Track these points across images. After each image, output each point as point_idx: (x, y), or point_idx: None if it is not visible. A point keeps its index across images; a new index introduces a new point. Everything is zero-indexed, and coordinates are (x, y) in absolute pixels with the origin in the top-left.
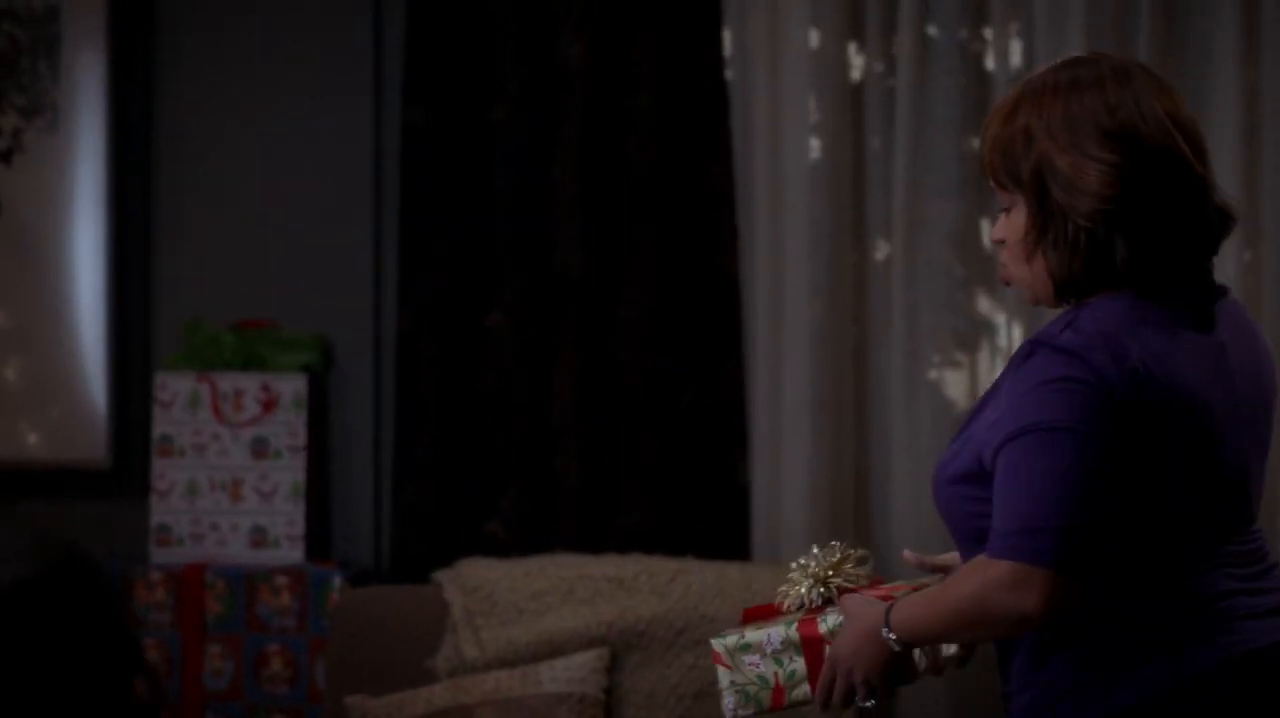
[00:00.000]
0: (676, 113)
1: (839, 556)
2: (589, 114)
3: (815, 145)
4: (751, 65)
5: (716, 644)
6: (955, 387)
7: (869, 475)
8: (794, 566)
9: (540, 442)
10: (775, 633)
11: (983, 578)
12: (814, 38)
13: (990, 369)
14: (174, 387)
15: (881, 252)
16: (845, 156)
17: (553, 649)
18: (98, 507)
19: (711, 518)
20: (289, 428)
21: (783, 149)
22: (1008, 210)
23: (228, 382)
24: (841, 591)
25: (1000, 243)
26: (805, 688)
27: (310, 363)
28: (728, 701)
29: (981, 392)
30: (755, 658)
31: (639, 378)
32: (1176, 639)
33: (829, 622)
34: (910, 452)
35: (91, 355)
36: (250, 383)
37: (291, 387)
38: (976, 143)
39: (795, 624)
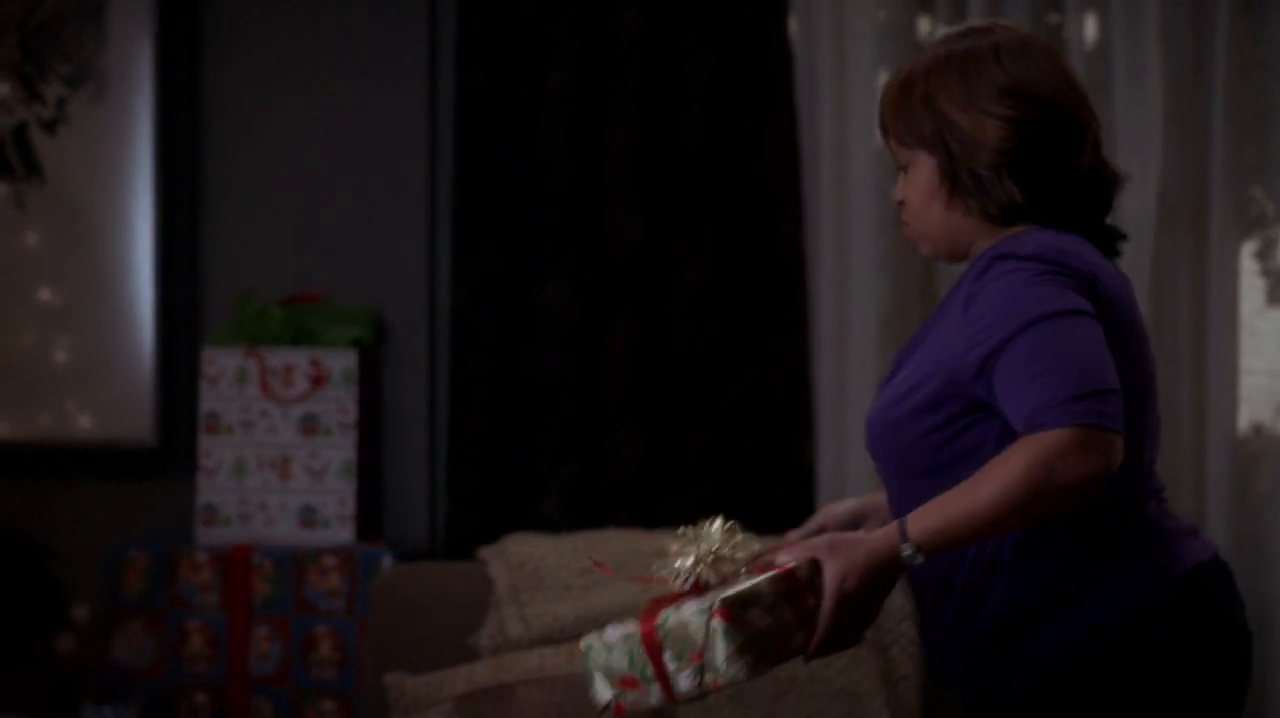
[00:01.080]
0: (737, 82)
1: (737, 537)
2: (645, 82)
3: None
4: (816, 33)
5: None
6: None
7: None
8: (677, 537)
9: (596, 418)
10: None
11: (1041, 451)
12: (882, 9)
13: None
14: (221, 362)
15: None
16: None
17: (600, 626)
18: (145, 486)
19: (773, 498)
20: (339, 404)
21: (850, 121)
22: (905, 169)
23: (277, 357)
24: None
25: (901, 204)
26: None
27: (361, 337)
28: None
29: None
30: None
31: (699, 353)
32: (1137, 554)
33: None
34: None
35: (139, 331)
36: (300, 358)
37: (342, 362)
38: None
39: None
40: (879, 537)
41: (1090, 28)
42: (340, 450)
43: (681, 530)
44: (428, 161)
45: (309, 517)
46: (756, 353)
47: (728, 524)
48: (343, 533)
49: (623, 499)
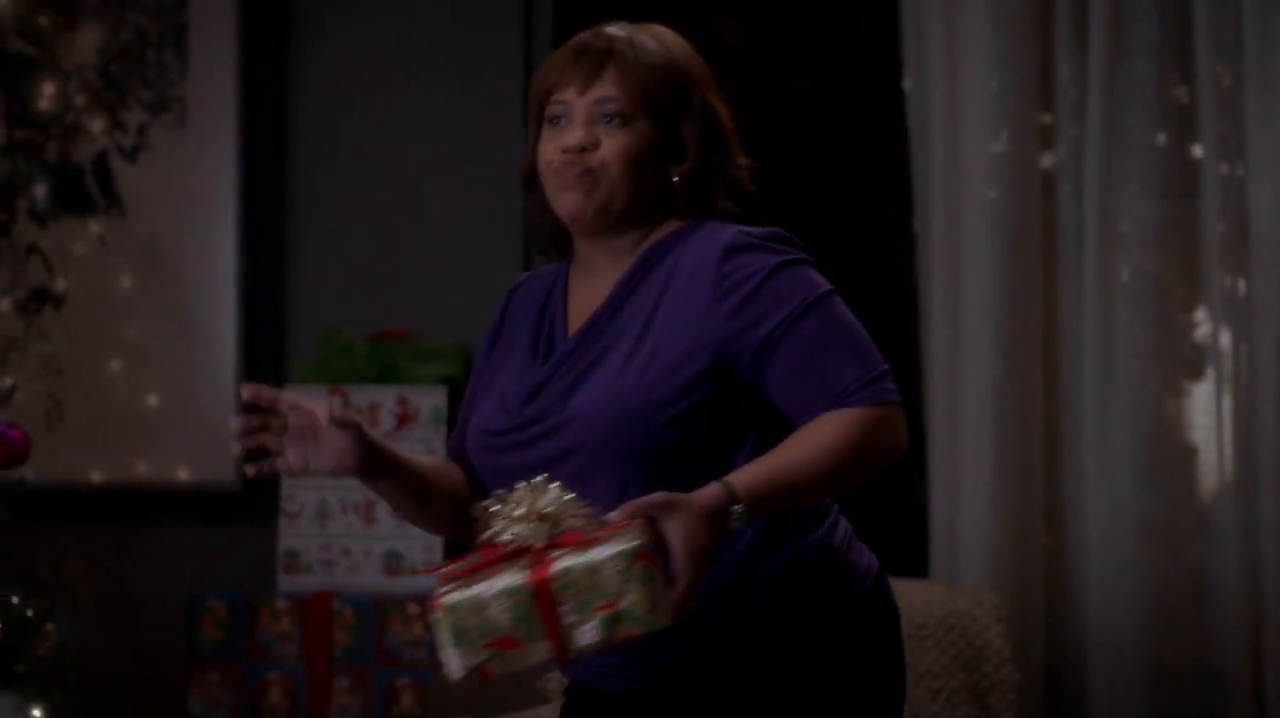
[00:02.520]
0: (843, 101)
1: (560, 494)
2: (745, 101)
3: (1000, 138)
4: (927, 50)
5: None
6: (1156, 401)
7: (1061, 505)
8: (496, 507)
9: None
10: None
11: (866, 423)
12: (996, 24)
13: (1195, 379)
14: None
15: (1071, 252)
16: (1031, 150)
17: None
18: (227, 531)
19: (885, 542)
20: (427, 444)
21: (962, 143)
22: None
23: (362, 395)
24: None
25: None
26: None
27: (450, 374)
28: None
29: (1190, 408)
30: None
31: None
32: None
33: (567, 562)
34: (1105, 475)
35: (222, 369)
36: (386, 396)
37: (430, 400)
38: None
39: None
40: (707, 496)
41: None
42: None
43: (502, 493)
44: (521, 194)
45: (394, 563)
46: None
47: (543, 483)
48: (430, 580)
49: None
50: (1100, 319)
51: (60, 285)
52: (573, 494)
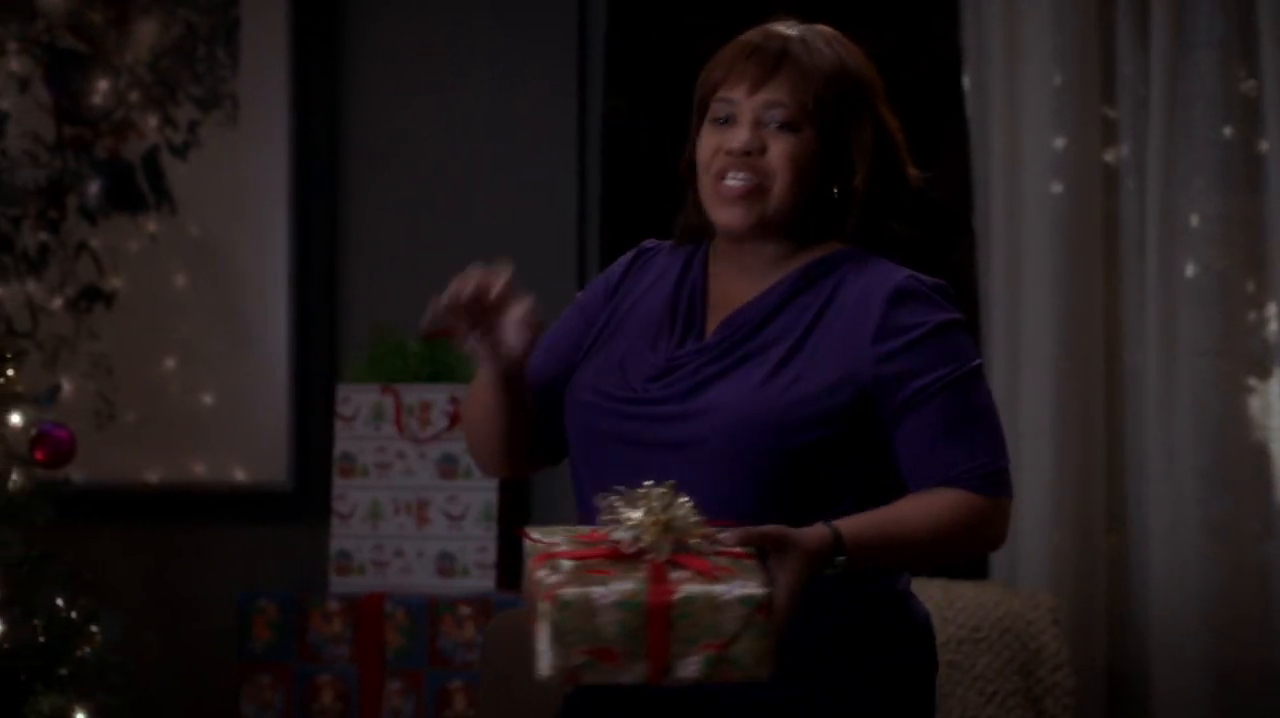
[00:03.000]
0: (901, 97)
1: (690, 510)
2: None
3: (1061, 133)
4: (987, 44)
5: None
6: (1221, 399)
7: (1123, 505)
8: (620, 505)
9: None
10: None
11: (976, 509)
12: (1057, 17)
13: (1262, 376)
14: (356, 400)
15: (1134, 249)
16: (1094, 146)
17: None
18: (279, 532)
19: None
20: None
21: (1023, 138)
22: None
23: (414, 394)
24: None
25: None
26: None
27: None
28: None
29: (1256, 406)
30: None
31: None
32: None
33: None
34: (1169, 475)
35: (273, 367)
36: (438, 395)
37: None
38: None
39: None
40: (816, 540)
41: None
42: (481, 493)
43: (626, 492)
44: (576, 190)
45: (447, 564)
46: None
47: (672, 491)
48: (483, 581)
49: None
50: (1164, 316)
51: (111, 283)
52: (682, 501)
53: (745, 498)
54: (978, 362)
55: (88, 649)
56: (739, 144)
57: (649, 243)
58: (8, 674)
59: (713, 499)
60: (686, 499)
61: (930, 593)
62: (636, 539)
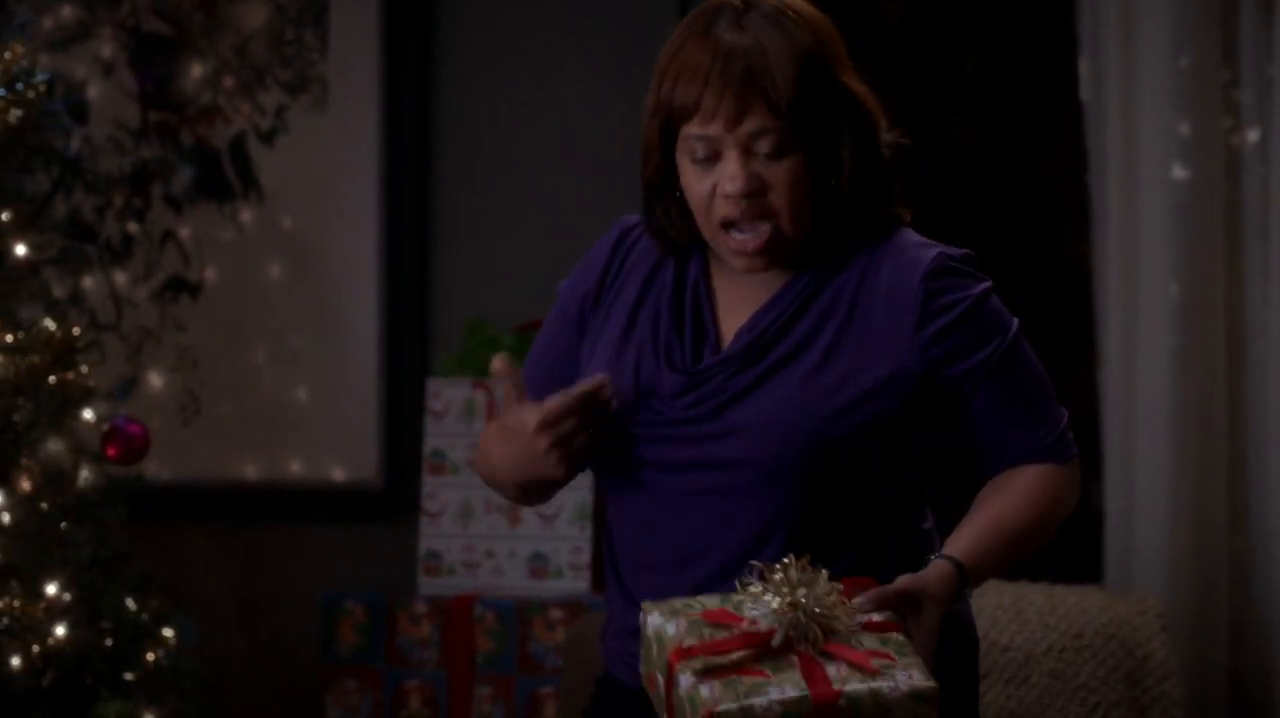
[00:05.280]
0: (1012, 77)
1: (830, 588)
2: (908, 78)
3: (1182, 117)
4: (1103, 25)
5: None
6: None
7: (1245, 505)
8: (754, 578)
9: None
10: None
11: (1060, 483)
12: None
13: None
14: (447, 395)
15: (1257, 236)
16: (1216, 130)
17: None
18: (366, 531)
19: (1055, 546)
20: None
21: (1141, 122)
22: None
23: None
24: (827, 632)
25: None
26: None
27: None
28: None
29: None
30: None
31: None
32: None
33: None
34: None
35: (363, 361)
36: None
37: None
38: None
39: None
40: (946, 585)
41: None
42: (575, 493)
43: (763, 570)
44: None
45: (539, 565)
46: None
47: (809, 564)
48: (576, 583)
49: None
50: None
51: (197, 274)
52: (819, 577)
53: (791, 510)
54: (1016, 325)
55: (158, 654)
56: (737, 188)
57: (630, 219)
58: (72, 679)
59: (758, 517)
60: (825, 575)
61: (1032, 598)
62: (777, 624)
